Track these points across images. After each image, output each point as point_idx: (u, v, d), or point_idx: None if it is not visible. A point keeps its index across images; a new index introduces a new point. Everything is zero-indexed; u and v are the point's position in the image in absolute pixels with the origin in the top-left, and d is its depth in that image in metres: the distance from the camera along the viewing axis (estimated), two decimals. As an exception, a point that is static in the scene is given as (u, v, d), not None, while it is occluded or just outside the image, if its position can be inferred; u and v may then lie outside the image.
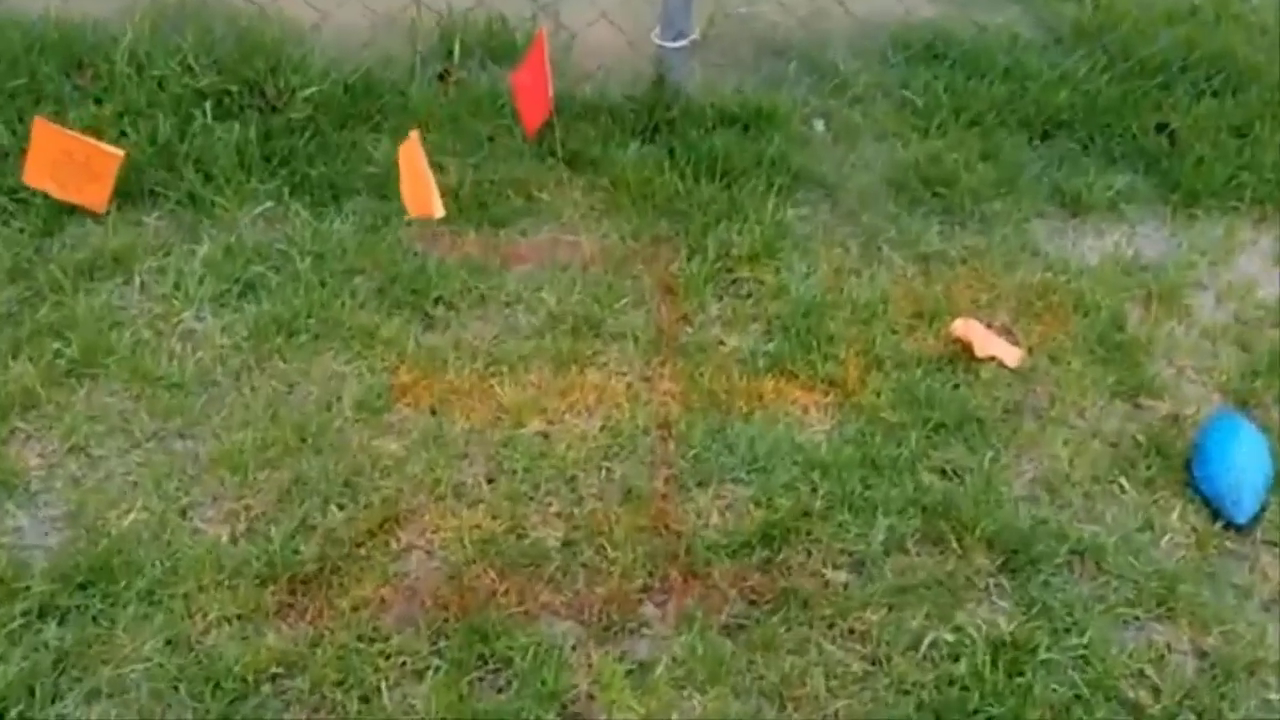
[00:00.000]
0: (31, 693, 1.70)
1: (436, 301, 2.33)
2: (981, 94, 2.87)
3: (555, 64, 2.61)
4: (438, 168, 2.54)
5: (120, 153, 2.42)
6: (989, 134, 2.80)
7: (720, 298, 2.38)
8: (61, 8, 2.95)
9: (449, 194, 2.53)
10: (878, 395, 2.19)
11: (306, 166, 2.60)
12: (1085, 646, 1.83)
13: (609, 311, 2.32)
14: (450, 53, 2.88)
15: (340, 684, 1.73)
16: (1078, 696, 1.77)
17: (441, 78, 2.83)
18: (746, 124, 2.76)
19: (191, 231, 2.47)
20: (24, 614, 1.78)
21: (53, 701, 1.69)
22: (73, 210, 2.47)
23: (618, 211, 2.55)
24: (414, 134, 2.23)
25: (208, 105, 2.70)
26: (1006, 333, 2.34)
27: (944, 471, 2.07)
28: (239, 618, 1.81)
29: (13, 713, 1.67)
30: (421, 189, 2.23)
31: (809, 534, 1.95)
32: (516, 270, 2.42)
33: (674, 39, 2.68)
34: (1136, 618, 1.88)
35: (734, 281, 2.42)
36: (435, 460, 2.05)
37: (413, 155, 2.25)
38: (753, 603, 1.87)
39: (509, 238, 2.50)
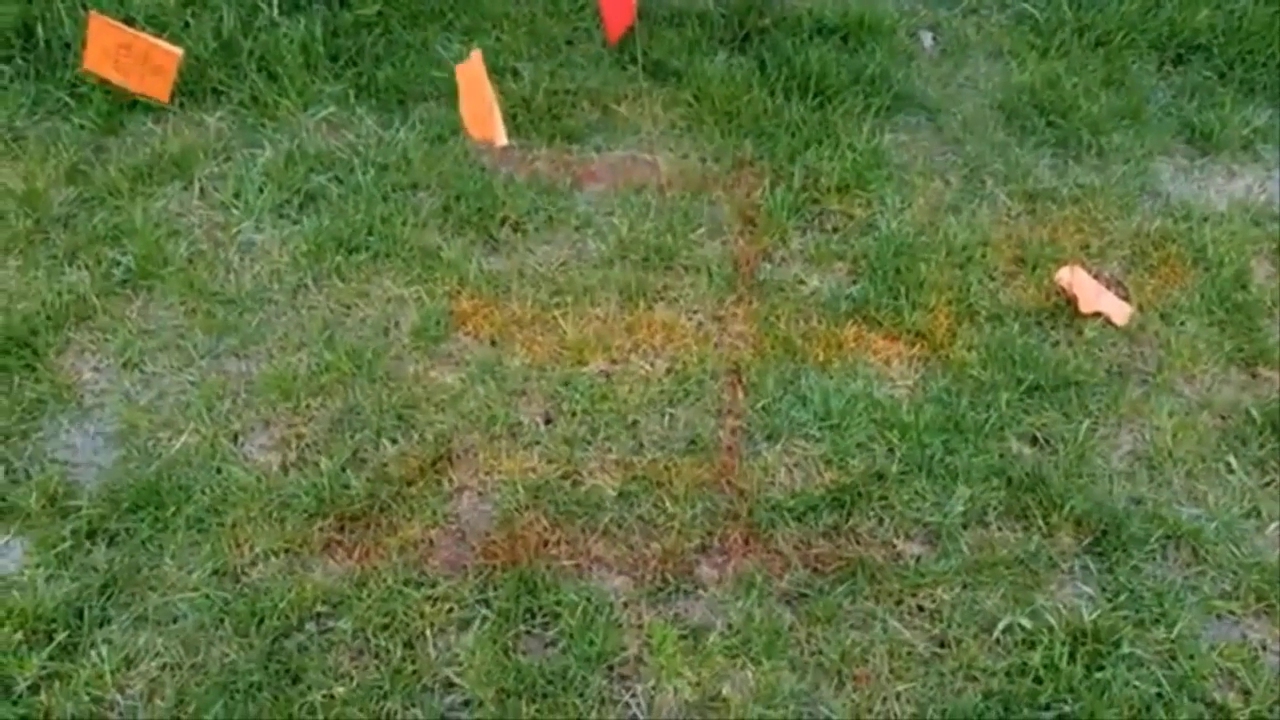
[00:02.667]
0: (79, 615, 1.69)
1: (502, 223, 2.21)
2: (1110, 10, 2.59)
3: (640, -37, 2.41)
4: (511, 73, 2.40)
5: (178, 50, 2.29)
6: (1114, 56, 2.53)
7: (804, 231, 2.21)
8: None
9: (520, 103, 2.39)
10: (968, 350, 2.02)
11: (374, 68, 2.47)
12: (1173, 641, 1.69)
13: (683, 242, 2.18)
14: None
15: (385, 628, 1.69)
16: (1160, 695, 1.65)
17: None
18: (845, 35, 2.53)
19: (253, 134, 2.38)
20: (73, 534, 1.77)
21: (100, 625, 1.69)
22: (134, 105, 2.39)
23: (699, 129, 2.37)
24: (476, 53, 2.07)
25: (273, 2, 2.57)
26: (1116, 285, 2.14)
27: (1035, 439, 1.92)
28: (286, 551, 1.77)
29: (61, 635, 1.67)
30: (484, 112, 2.08)
31: (882, 500, 1.83)
32: (588, 191, 2.28)
33: (770, -61, 2.46)
34: (1232, 612, 1.74)
35: (820, 214, 2.24)
36: (492, 396, 1.96)
37: (474, 76, 2.09)
38: (816, 571, 1.76)
39: (582, 155, 2.35)
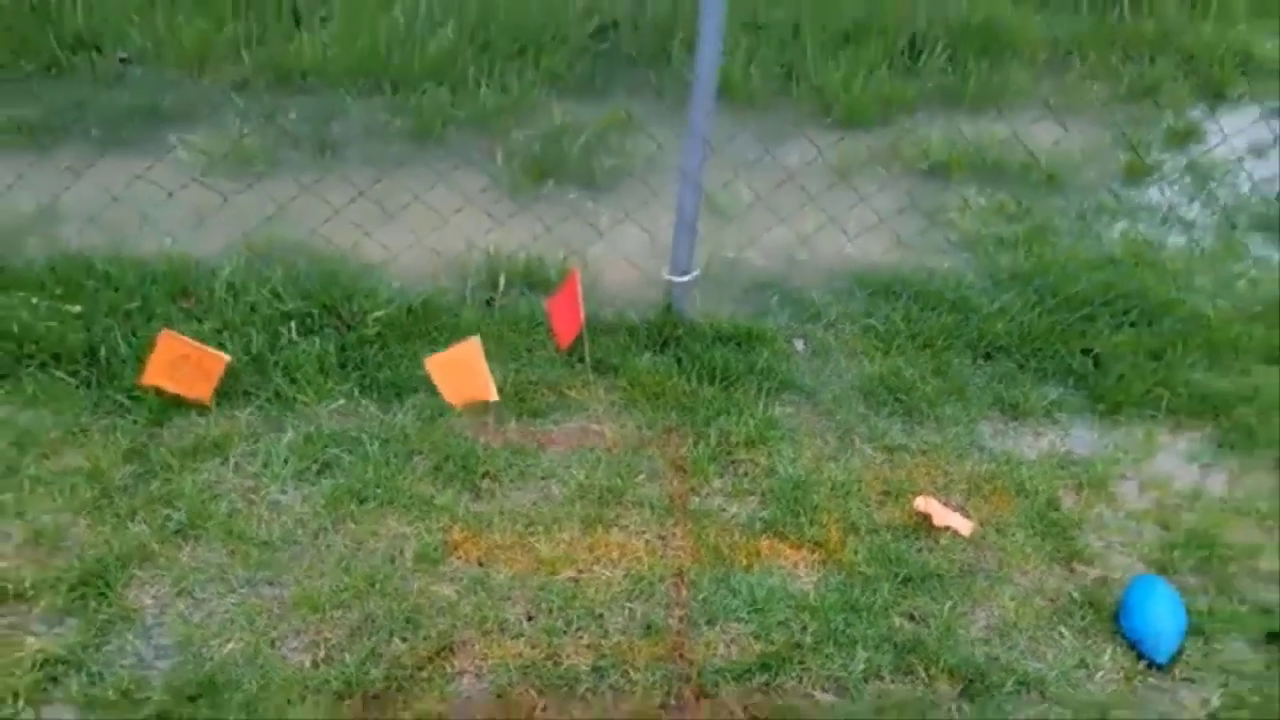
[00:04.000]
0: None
1: (483, 475, 2.79)
2: (932, 323, 3.45)
3: (584, 294, 3.20)
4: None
5: (226, 356, 2.95)
6: (939, 354, 3.35)
7: (722, 475, 2.84)
8: (172, 247, 3.56)
9: (497, 392, 3.05)
10: (855, 554, 2.61)
11: (375, 371, 3.12)
12: (1033, 759, 2.17)
13: (629, 484, 2.78)
14: (496, 285, 3.47)
15: (408, 780, 2.06)
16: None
17: (489, 303, 3.41)
18: (739, 341, 3.31)
19: (278, 423, 2.96)
20: (145, 718, 2.12)
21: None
22: (179, 406, 2.96)
23: (635, 407, 3.05)
24: (474, 339, 2.77)
25: (293, 324, 3.25)
26: (960, 509, 2.79)
27: (912, 616, 2.47)
28: (321, 726, 2.15)
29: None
30: (478, 378, 2.75)
31: (801, 663, 2.33)
32: (551, 451, 2.89)
33: (680, 275, 3.29)
34: (1076, 734, 2.24)
35: (733, 462, 2.89)
36: (483, 602, 2.44)
37: (473, 352, 2.78)
38: (754, 718, 2.22)
39: (544, 427, 2.98)
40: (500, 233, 3.67)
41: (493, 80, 4.68)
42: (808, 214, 3.85)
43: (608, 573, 2.53)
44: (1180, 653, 2.42)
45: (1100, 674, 2.38)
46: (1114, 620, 2.49)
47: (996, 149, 4.39)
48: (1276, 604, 2.55)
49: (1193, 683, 2.37)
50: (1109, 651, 2.43)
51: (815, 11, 5.17)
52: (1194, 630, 2.47)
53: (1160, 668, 2.38)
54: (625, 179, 4.15)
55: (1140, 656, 2.41)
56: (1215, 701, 2.32)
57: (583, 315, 3.11)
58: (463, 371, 2.76)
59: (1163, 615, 2.44)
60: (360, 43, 4.80)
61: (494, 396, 2.64)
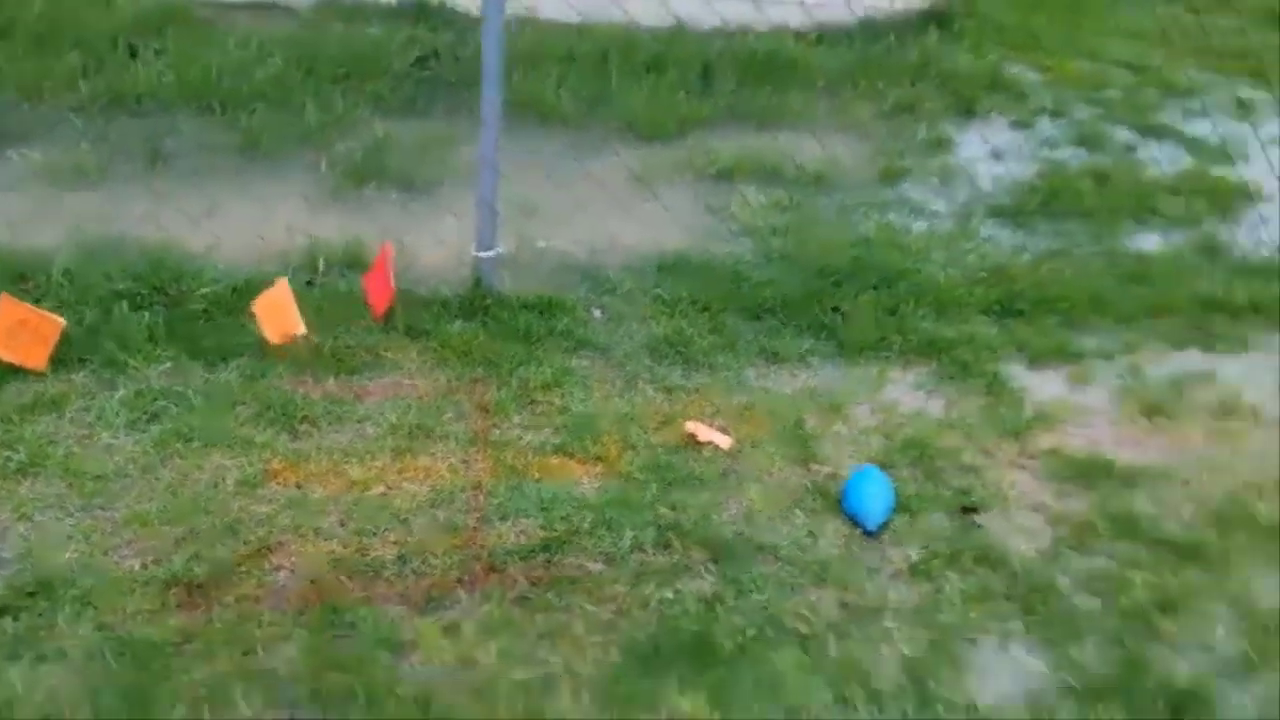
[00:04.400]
0: (-11, 660, 2.28)
1: (302, 420, 3.13)
2: (712, 291, 3.97)
3: (398, 272, 3.59)
4: (304, 338, 3.42)
5: (62, 320, 3.22)
6: (716, 316, 3.86)
7: (521, 413, 3.26)
8: (9, 240, 3.79)
9: (315, 356, 3.39)
10: (631, 465, 3.06)
11: (202, 340, 3.42)
12: (766, 603, 2.63)
13: (437, 423, 3.16)
14: (316, 267, 3.83)
15: (226, 643, 2.37)
16: (760, 631, 2.55)
17: (309, 284, 3.76)
18: (542, 310, 3.75)
19: (110, 383, 3.22)
20: (-16, 610, 2.38)
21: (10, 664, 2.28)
22: (17, 372, 3.20)
23: (445, 364, 3.44)
24: (283, 279, 3.14)
25: (124, 302, 3.53)
26: (722, 430, 3.28)
27: (673, 507, 2.92)
28: (149, 611, 2.44)
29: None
30: (289, 314, 3.14)
31: (578, 544, 2.75)
32: (366, 401, 3.25)
33: (485, 251, 3.72)
34: (802, 584, 2.71)
35: (532, 403, 3.30)
36: (299, 514, 2.77)
37: (283, 291, 3.16)
38: (535, 584, 2.62)
39: (360, 381, 3.34)
40: (322, 226, 4.04)
41: (319, 101, 5.06)
42: (610, 211, 4.36)
43: (414, 488, 2.91)
44: (888, 523, 2.94)
45: (823, 540, 2.87)
46: (839, 503, 3.00)
47: (775, 157, 5.00)
48: (969, 486, 3.11)
49: (899, 545, 2.89)
50: (832, 525, 2.93)
51: (622, 45, 5.75)
52: (902, 508, 3.00)
53: (872, 534, 2.90)
54: (442, 183, 4.57)
55: (856, 526, 2.92)
56: (914, 556, 2.84)
57: (394, 286, 3.50)
58: (278, 310, 3.11)
59: (875, 494, 2.96)
60: (193, 71, 5.11)
61: (302, 329, 3.03)
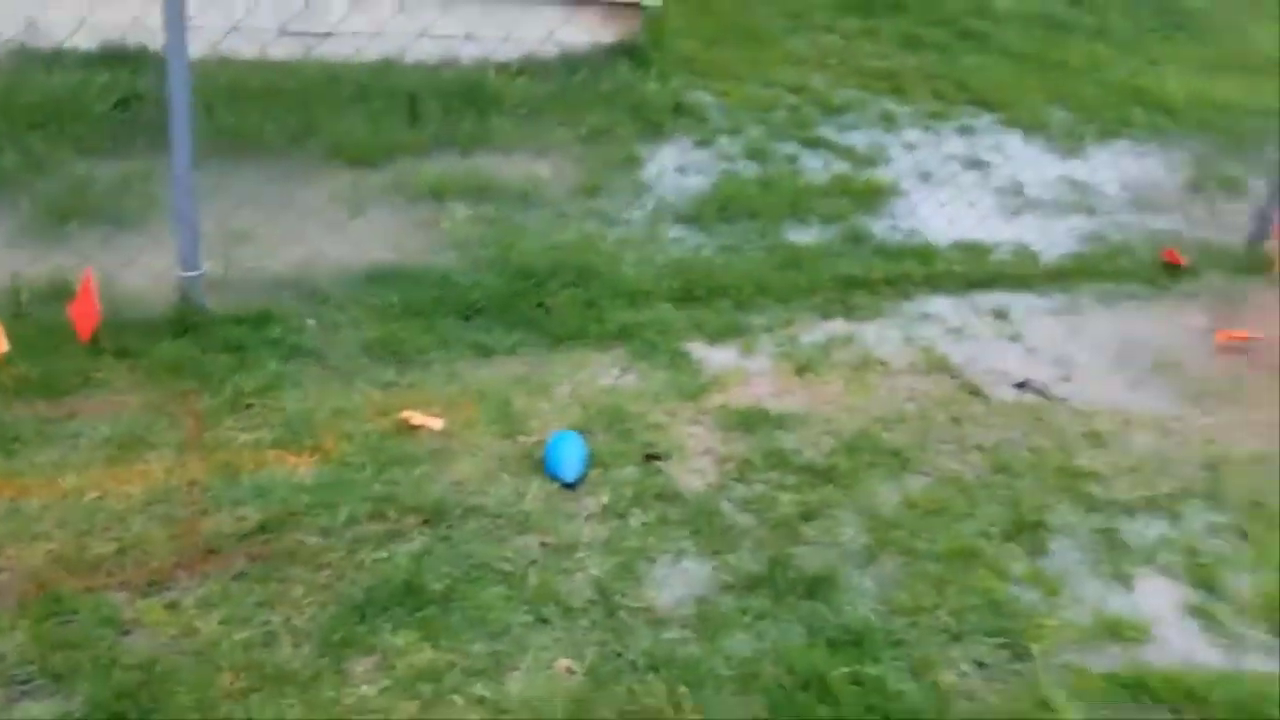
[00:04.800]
0: None
1: (13, 440, 3.18)
2: (424, 297, 4.28)
3: (105, 299, 3.68)
4: (11, 363, 3.46)
5: None
6: (429, 319, 4.18)
7: (235, 416, 3.44)
8: None
9: (24, 383, 3.43)
10: (346, 451, 3.31)
11: (-103, 376, 3.39)
12: (473, 552, 2.97)
13: (150, 433, 3.29)
14: (19, 300, 3.84)
15: (-57, 643, 2.45)
16: (466, 574, 2.88)
17: (16, 316, 3.77)
18: (254, 323, 3.93)
19: None
20: None
21: None
22: None
23: (155, 380, 3.56)
24: None
25: None
26: (435, 415, 3.59)
27: (388, 483, 3.20)
28: None
29: None
30: None
31: (294, 523, 2.98)
32: (78, 419, 3.34)
33: (190, 271, 3.87)
34: (507, 534, 3.07)
35: (247, 407, 3.49)
36: (16, 524, 2.85)
37: None
38: (254, 561, 2.83)
39: (72, 402, 3.42)
40: (25, 262, 4.04)
41: (17, 146, 4.99)
42: (322, 232, 4.59)
43: (131, 490, 3.04)
44: (585, 476, 3.35)
45: (528, 497, 3.24)
46: (542, 466, 3.39)
47: (481, 178, 5.39)
48: (654, 440, 3.58)
49: (594, 494, 3.30)
50: (536, 484, 3.31)
51: (326, 80, 5.99)
52: (597, 463, 3.42)
53: (571, 486, 3.30)
54: (148, 217, 4.63)
55: (557, 482, 3.31)
56: (606, 500, 3.26)
57: (99, 310, 3.59)
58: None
59: (570, 452, 3.37)
60: None
61: (5, 347, 3.10)
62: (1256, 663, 2.94)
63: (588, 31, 6.71)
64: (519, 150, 5.77)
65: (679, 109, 6.64)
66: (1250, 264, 5.39)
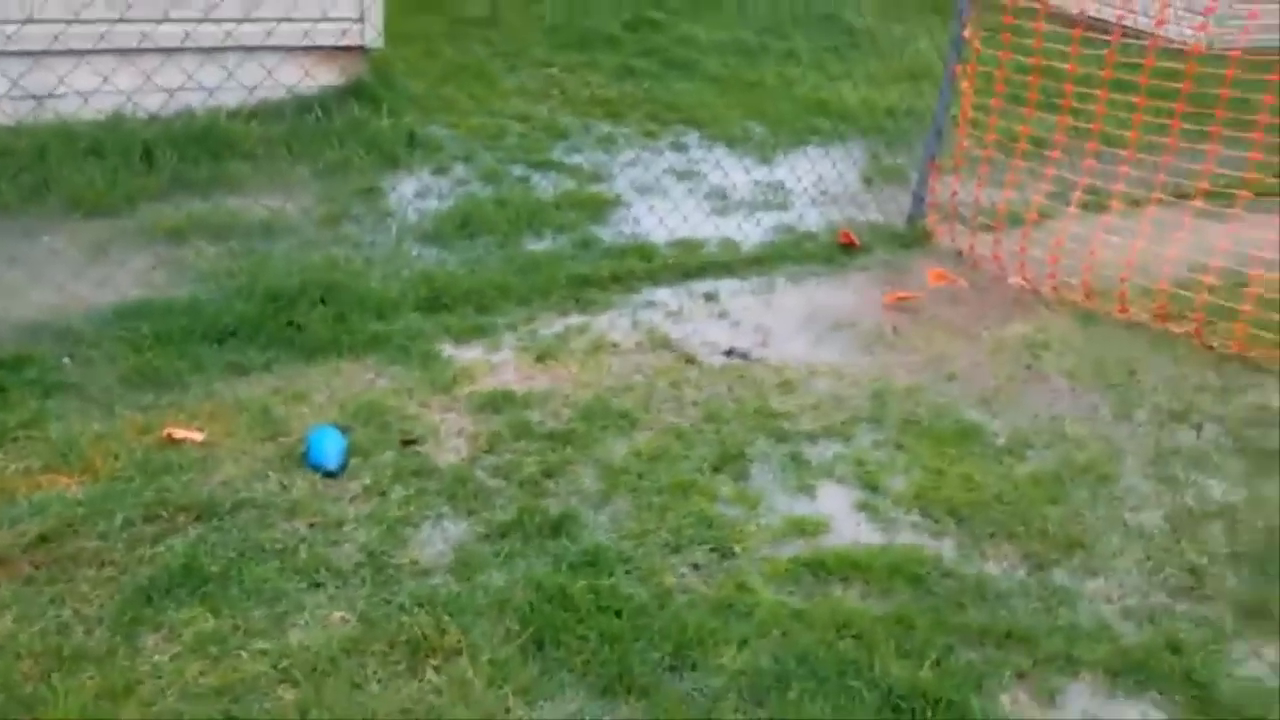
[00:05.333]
0: None
1: None
2: (174, 326, 4.51)
3: None
4: None
5: None
6: (181, 346, 4.41)
7: (3, 449, 3.60)
8: None
9: None
10: (114, 468, 3.55)
11: None
12: (246, 536, 3.30)
13: (-88, 471, 3.42)
14: None
15: None
16: (241, 554, 3.21)
17: None
18: (12, 366, 4.06)
19: None
20: None
21: None
22: None
23: (-89, 426, 3.67)
24: None
25: None
26: (198, 428, 3.87)
27: (160, 488, 3.47)
28: None
29: None
30: None
31: (73, 531, 3.21)
32: None
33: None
34: (276, 520, 3.42)
35: (13, 440, 3.66)
36: None
37: None
38: (38, 567, 3.05)
39: None
40: None
41: None
42: (69, 277, 4.74)
43: (-102, 521, 3.18)
44: (346, 465, 3.74)
45: (294, 489, 3.59)
46: (304, 461, 3.74)
47: (224, 216, 5.63)
48: (410, 428, 4.01)
49: (356, 478, 3.69)
50: (300, 477, 3.66)
51: (61, 138, 6.05)
52: (358, 452, 3.81)
53: (334, 475, 3.67)
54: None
55: (319, 471, 3.68)
56: (369, 481, 3.66)
57: None
58: None
59: (329, 443, 3.75)
60: None
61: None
62: (908, 538, 3.70)
63: (312, 75, 7.04)
64: (258, 188, 6.04)
65: (413, 141, 7.09)
66: (912, 238, 6.41)
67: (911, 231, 6.48)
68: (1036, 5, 5.73)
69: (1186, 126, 5.43)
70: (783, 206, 6.76)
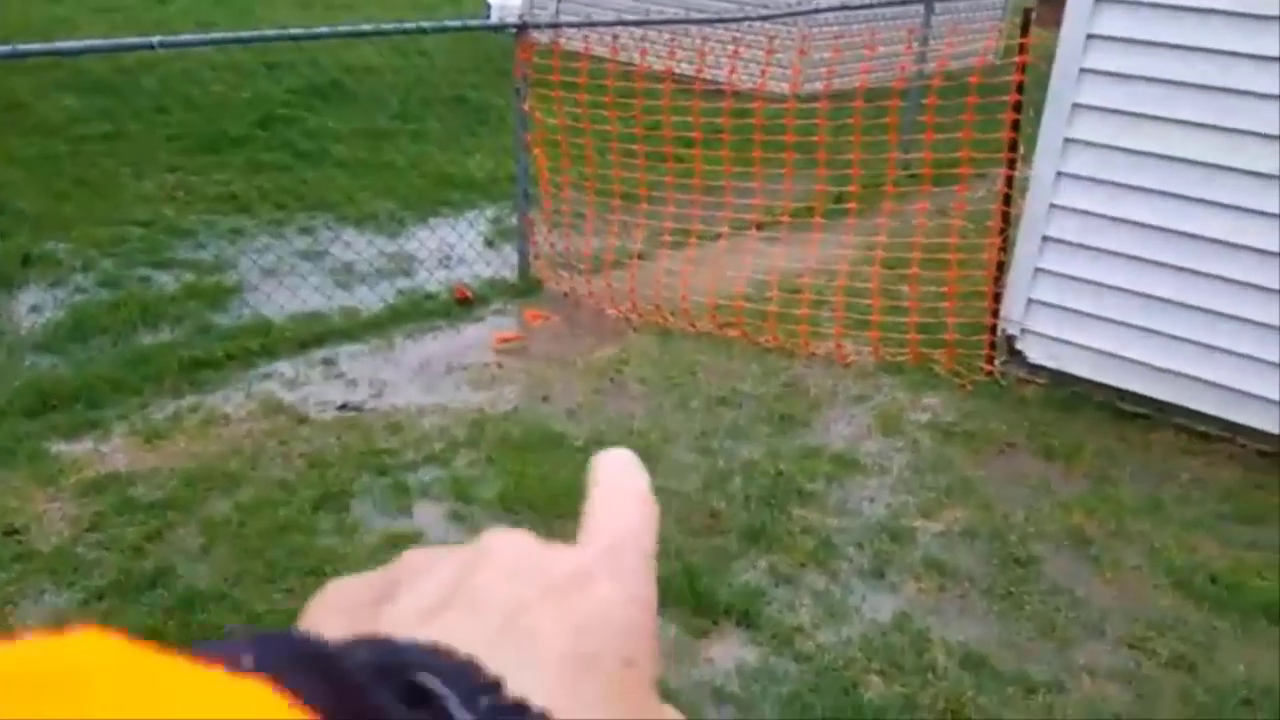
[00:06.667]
0: None
1: None
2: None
3: None
4: None
5: None
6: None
7: None
8: None
9: None
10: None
11: None
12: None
13: None
14: None
15: None
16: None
17: None
18: None
19: None
20: None
21: None
22: None
23: None
24: None
25: None
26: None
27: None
28: None
29: None
30: None
31: None
32: None
33: None
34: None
35: None
36: None
37: None
38: None
39: None
40: None
41: None
42: None
43: None
44: None
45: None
46: None
47: None
48: (14, 520, 4.15)
49: None
50: None
51: None
52: None
53: None
54: None
55: None
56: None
57: None
58: None
59: None
60: None
61: None
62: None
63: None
64: None
65: (28, 261, 7.07)
66: (525, 288, 7.14)
67: (524, 282, 7.21)
68: (578, 80, 6.67)
69: (767, 169, 6.50)
70: (407, 274, 7.30)
